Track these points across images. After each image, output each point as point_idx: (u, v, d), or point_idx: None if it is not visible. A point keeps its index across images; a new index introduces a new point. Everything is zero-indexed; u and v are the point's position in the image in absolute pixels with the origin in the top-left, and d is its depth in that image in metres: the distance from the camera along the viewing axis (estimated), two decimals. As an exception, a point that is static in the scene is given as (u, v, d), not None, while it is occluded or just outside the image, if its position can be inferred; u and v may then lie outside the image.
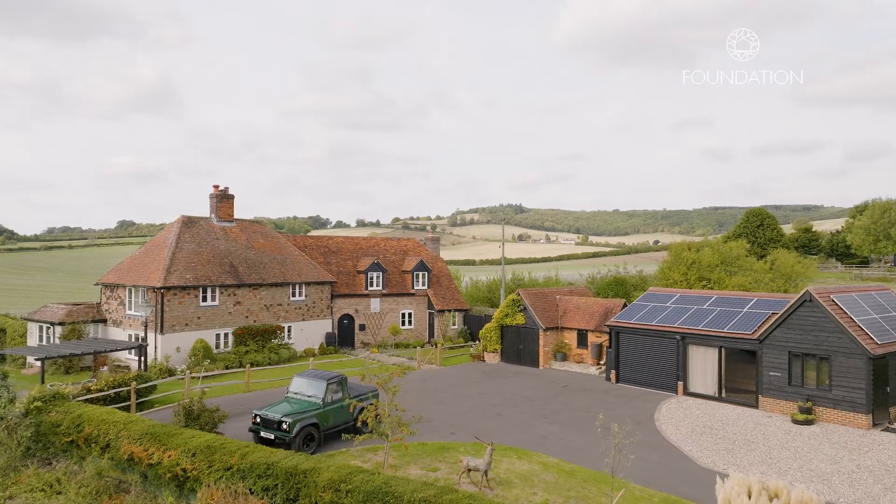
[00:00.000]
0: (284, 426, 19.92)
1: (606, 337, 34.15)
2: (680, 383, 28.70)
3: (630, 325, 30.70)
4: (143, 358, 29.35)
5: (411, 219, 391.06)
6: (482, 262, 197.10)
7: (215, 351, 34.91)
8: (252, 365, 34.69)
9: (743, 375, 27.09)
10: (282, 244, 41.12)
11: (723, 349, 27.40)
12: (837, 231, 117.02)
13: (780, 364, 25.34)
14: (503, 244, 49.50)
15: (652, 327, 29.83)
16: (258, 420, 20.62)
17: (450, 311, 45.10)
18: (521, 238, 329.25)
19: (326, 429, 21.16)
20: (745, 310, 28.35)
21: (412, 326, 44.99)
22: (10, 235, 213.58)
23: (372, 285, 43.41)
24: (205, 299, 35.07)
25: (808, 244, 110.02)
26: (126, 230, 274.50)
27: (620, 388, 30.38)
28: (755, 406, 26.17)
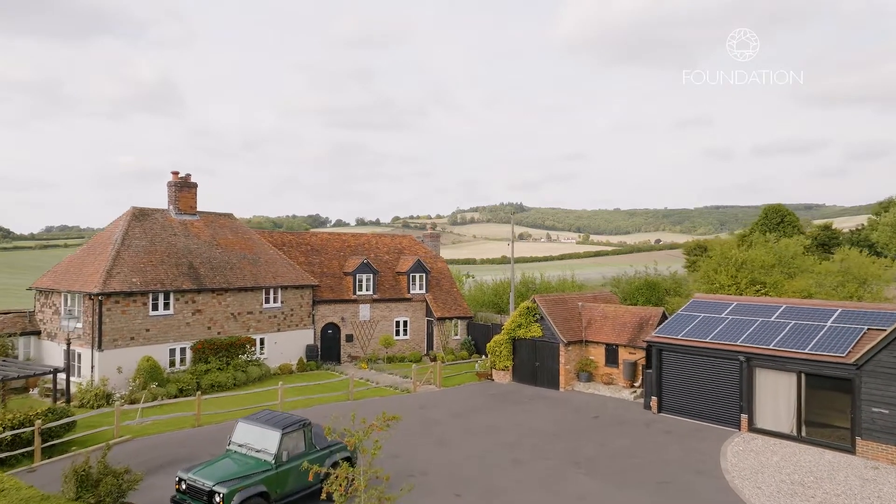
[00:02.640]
0: (217, 499, 13.91)
1: (642, 354, 28.16)
2: (743, 417, 22.68)
3: (677, 342, 24.68)
4: (64, 381, 23.36)
5: (411, 217, 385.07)
6: (483, 262, 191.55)
7: (168, 370, 28.86)
8: (214, 387, 28.72)
9: (826, 407, 21.08)
10: (254, 241, 35.07)
11: (802, 375, 21.38)
12: (858, 228, 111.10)
13: (889, 397, 19.31)
14: (512, 243, 43.48)
15: (706, 345, 23.81)
16: (183, 487, 14.60)
17: (451, 318, 39.06)
18: (521, 237, 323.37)
19: (280, 497, 15.13)
20: (828, 324, 22.33)
21: (408, 337, 38.94)
22: (6, 234, 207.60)
23: (361, 289, 37.38)
24: (156, 307, 29.02)
25: (827, 242, 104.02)
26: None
27: (665, 421, 24.38)
28: (851, 451, 20.13)
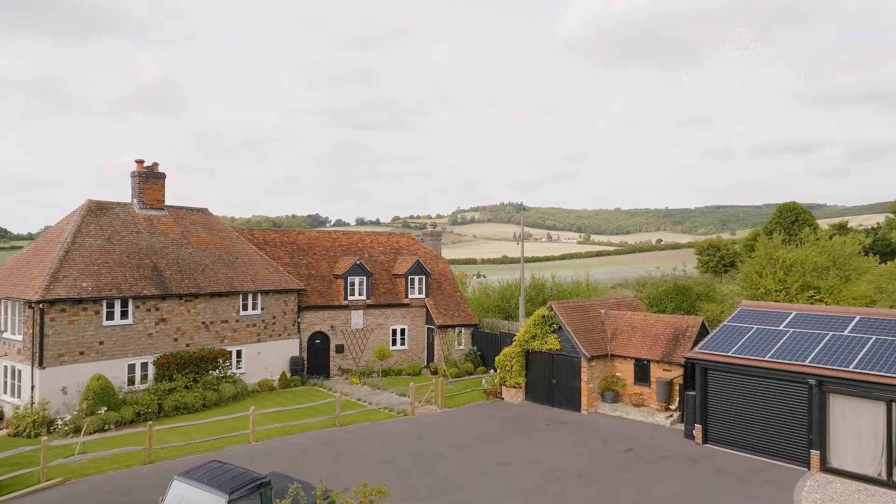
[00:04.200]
0: None
1: (679, 371, 24.05)
2: (814, 453, 18.59)
3: (728, 360, 20.57)
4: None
5: (412, 217, 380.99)
6: (483, 261, 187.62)
7: (126, 389, 24.75)
8: (179, 409, 24.64)
9: (921, 444, 17.04)
10: (232, 240, 30.96)
11: (894, 404, 17.29)
12: (874, 227, 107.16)
13: None
14: (522, 242, 39.39)
15: (765, 364, 19.70)
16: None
17: (454, 326, 34.91)
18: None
19: (228, 590, 11.04)
20: (921, 340, 18.25)
21: (405, 347, 34.81)
22: (3, 234, 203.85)
23: (353, 294, 33.26)
24: (111, 316, 24.90)
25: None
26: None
27: (714, 455, 20.26)
28: (962, 503, 16.06)
